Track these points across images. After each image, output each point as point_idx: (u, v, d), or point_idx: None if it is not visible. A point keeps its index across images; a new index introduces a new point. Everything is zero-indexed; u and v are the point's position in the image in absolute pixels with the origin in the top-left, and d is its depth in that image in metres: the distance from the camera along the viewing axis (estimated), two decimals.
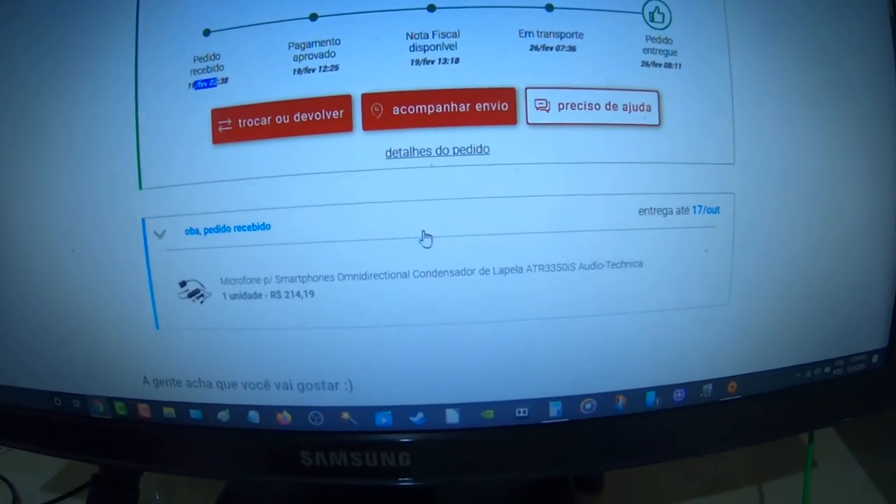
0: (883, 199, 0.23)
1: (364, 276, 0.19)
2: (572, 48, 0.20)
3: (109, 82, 0.21)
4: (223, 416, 0.21)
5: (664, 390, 0.22)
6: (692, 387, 0.22)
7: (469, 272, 0.19)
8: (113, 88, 0.20)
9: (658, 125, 0.20)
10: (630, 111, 0.20)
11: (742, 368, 0.23)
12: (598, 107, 0.20)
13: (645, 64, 0.21)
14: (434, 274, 0.19)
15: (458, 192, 0.19)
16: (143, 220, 0.20)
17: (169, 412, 0.21)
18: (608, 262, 0.20)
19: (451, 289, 0.19)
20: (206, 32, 0.20)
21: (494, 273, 0.19)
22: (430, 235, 0.19)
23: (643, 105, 0.21)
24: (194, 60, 0.20)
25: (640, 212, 0.20)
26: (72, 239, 0.21)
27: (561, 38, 0.20)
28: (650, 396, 0.22)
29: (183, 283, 0.20)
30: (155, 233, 0.20)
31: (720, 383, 0.23)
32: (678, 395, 0.22)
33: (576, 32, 0.20)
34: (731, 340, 0.22)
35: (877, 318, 0.25)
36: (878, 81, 0.23)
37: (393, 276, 0.19)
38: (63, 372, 0.22)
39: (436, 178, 0.19)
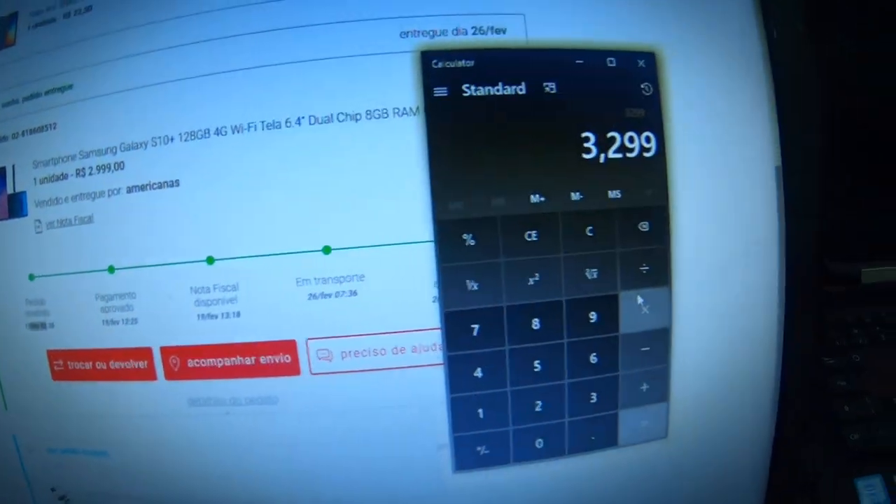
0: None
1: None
2: (353, 292, 0.20)
3: None
4: None
5: None
6: None
7: None
8: None
9: (444, 364, 0.20)
10: (419, 352, 0.20)
11: None
12: (384, 352, 0.20)
13: (436, 299, 0.20)
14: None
15: (252, 438, 0.20)
16: (14, 436, 0.24)
17: None
18: (411, 496, 0.21)
19: None
20: (31, 277, 0.23)
21: None
22: (234, 476, 0.21)
23: (434, 345, 0.20)
24: (26, 303, 0.23)
25: (437, 447, 0.21)
26: None
27: (340, 282, 0.20)
28: None
29: (53, 489, 0.24)
30: (26, 447, 0.24)
31: None
32: None
33: (356, 275, 0.20)
34: None
35: (744, 496, 0.24)
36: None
37: None
38: None
39: (232, 426, 0.21)
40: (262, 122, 0.20)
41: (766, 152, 0.22)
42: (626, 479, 0.22)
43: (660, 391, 0.22)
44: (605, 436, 0.22)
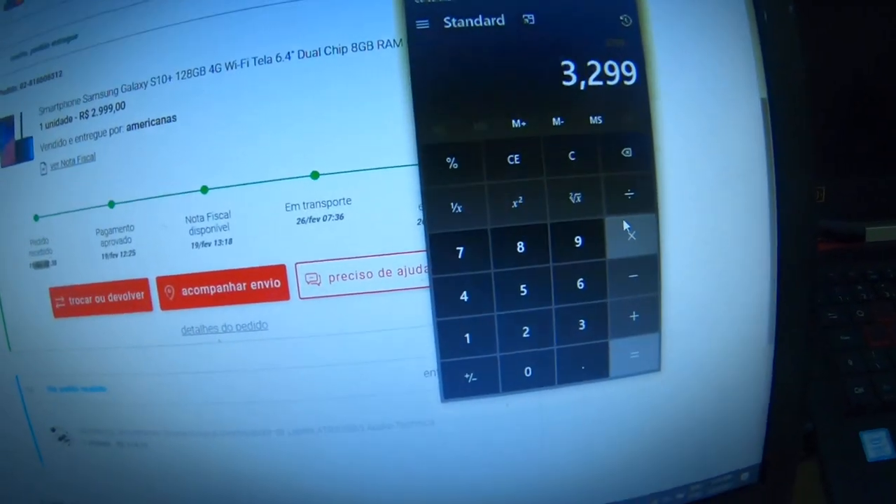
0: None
1: (182, 434, 0.23)
2: (340, 216, 0.20)
3: None
4: None
5: None
6: None
7: (266, 433, 0.22)
8: None
9: (429, 287, 0.20)
10: (405, 275, 0.21)
11: None
12: (370, 275, 0.20)
13: (421, 221, 0.20)
14: (233, 434, 0.22)
15: (243, 364, 0.21)
16: (17, 377, 0.25)
17: None
18: (397, 422, 0.21)
19: (253, 448, 0.22)
20: (36, 218, 0.24)
21: (289, 434, 0.22)
22: (227, 403, 0.22)
23: (419, 267, 0.20)
24: (31, 243, 0.24)
25: (424, 374, 0.21)
26: None
27: (328, 206, 0.20)
28: None
29: (53, 430, 0.25)
30: (27, 388, 0.25)
31: None
32: None
33: (343, 199, 0.20)
34: (554, 480, 0.23)
35: (743, 437, 0.24)
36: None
37: (204, 434, 0.22)
38: None
39: (224, 353, 0.21)
40: (254, 57, 0.21)
41: (752, 83, 0.22)
42: (620, 414, 0.22)
43: (651, 321, 0.21)
44: (595, 366, 0.21)
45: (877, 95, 0.37)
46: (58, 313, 0.23)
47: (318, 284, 0.20)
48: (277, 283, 0.21)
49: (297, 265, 0.20)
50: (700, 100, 0.22)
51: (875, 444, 0.29)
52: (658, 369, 0.22)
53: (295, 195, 0.20)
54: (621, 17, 0.21)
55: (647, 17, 0.21)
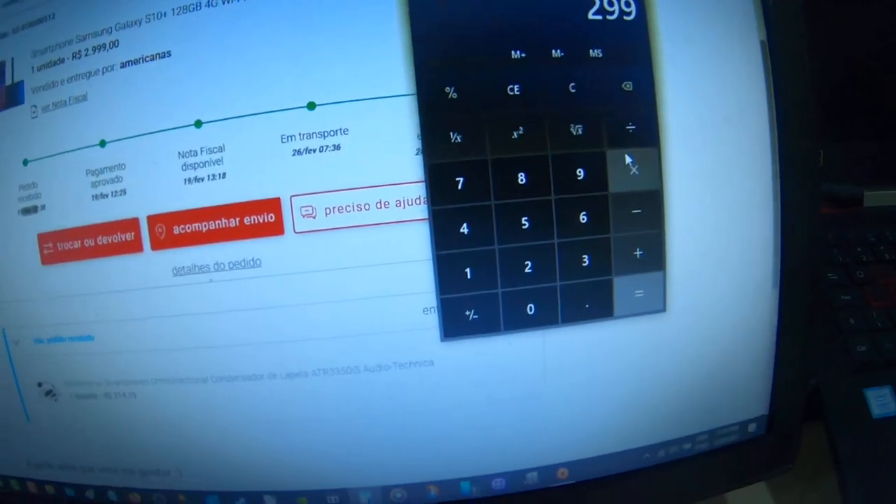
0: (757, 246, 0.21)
1: (171, 381, 0.22)
2: (337, 147, 0.20)
3: None
4: (89, 494, 0.24)
5: (480, 480, 0.22)
6: (513, 476, 0.22)
7: (258, 377, 0.21)
8: None
9: (428, 219, 0.19)
10: (404, 207, 0.20)
11: (573, 455, 0.22)
12: (367, 207, 0.20)
13: (419, 151, 0.20)
14: (224, 379, 0.21)
15: (235, 304, 0.20)
16: (3, 329, 0.24)
17: (49, 489, 0.25)
18: (395, 363, 0.21)
19: (245, 394, 0.21)
20: (25, 162, 0.23)
21: (282, 377, 0.21)
22: (218, 346, 0.21)
23: (418, 198, 0.20)
24: (19, 189, 0.23)
25: (423, 311, 0.20)
26: None
27: (324, 137, 0.20)
28: (465, 486, 0.22)
29: (39, 384, 0.24)
30: (13, 341, 0.24)
31: (548, 470, 0.22)
32: (497, 484, 0.22)
33: (340, 129, 0.20)
34: (556, 427, 0.22)
35: (750, 387, 0.23)
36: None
37: (194, 381, 0.21)
38: None
39: (215, 293, 0.20)
40: None
41: (751, 25, 0.22)
42: (625, 356, 0.21)
43: (655, 258, 0.21)
44: (599, 304, 0.20)
45: (876, 61, 0.37)
46: (45, 260, 0.22)
47: (314, 217, 0.20)
48: (272, 217, 0.20)
49: (293, 198, 0.20)
50: (700, 37, 0.21)
51: (879, 401, 0.28)
52: (663, 310, 0.21)
53: (291, 126, 0.19)
54: None
55: None
